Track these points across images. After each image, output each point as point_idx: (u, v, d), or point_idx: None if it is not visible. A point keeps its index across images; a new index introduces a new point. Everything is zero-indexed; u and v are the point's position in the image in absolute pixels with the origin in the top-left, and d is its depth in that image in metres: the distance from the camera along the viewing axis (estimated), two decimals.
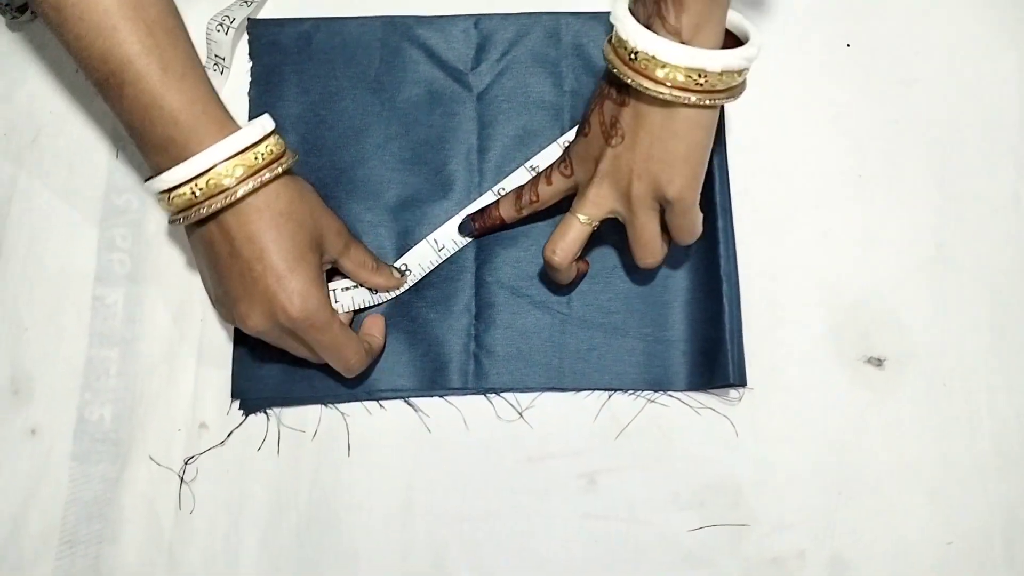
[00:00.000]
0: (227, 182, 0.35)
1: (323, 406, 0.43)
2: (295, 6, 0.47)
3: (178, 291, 0.44)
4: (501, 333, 0.43)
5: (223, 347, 0.43)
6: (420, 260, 0.44)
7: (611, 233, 0.42)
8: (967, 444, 0.42)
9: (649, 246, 0.39)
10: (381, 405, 0.43)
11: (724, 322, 0.42)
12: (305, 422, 0.43)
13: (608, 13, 0.36)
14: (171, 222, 0.37)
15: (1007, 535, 0.41)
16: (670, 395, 0.43)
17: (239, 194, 0.35)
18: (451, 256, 0.44)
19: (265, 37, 0.46)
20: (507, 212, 0.42)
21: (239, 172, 0.35)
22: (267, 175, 0.36)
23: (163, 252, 0.45)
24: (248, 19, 0.47)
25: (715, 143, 0.43)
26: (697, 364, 0.43)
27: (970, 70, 0.47)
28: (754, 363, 0.42)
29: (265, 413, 0.43)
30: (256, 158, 0.36)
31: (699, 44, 0.34)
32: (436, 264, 0.44)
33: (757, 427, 0.43)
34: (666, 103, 0.35)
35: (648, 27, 0.34)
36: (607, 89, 0.37)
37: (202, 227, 0.37)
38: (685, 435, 0.43)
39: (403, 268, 0.43)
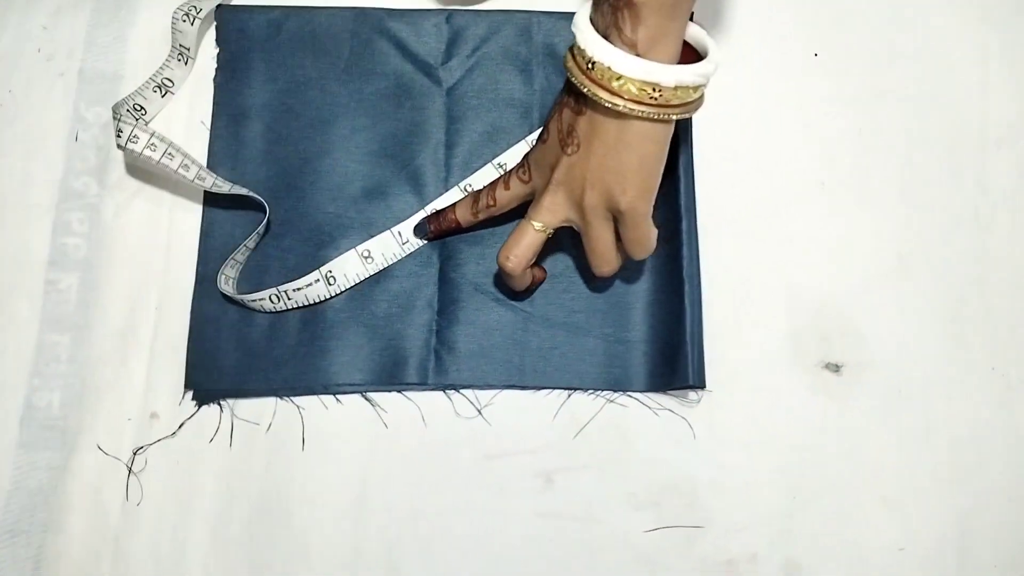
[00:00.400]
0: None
1: (278, 399, 0.42)
2: None
3: (134, 278, 0.43)
4: (463, 329, 0.43)
5: (178, 336, 0.43)
6: (383, 249, 0.43)
7: (573, 237, 0.42)
8: (922, 452, 0.43)
9: (604, 255, 0.39)
10: (337, 399, 0.42)
11: (685, 324, 0.42)
12: (259, 415, 0.42)
13: None
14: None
15: (960, 543, 0.42)
16: (629, 395, 0.43)
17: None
18: (415, 251, 0.44)
19: (233, 23, 0.46)
20: (463, 216, 0.42)
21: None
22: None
23: (120, 238, 0.44)
24: (218, 5, 0.46)
25: (681, 145, 0.43)
26: (657, 365, 0.43)
27: (936, 83, 0.47)
28: (714, 366, 0.43)
29: (219, 405, 0.42)
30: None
31: (654, 58, 0.34)
32: (399, 257, 0.44)
33: (715, 429, 0.43)
34: (620, 115, 0.35)
35: (606, 37, 0.34)
36: (566, 97, 0.37)
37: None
38: (643, 436, 0.42)
39: (365, 253, 0.43)
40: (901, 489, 0.42)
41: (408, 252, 0.44)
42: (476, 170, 0.45)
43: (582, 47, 0.34)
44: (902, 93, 0.47)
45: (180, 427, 0.42)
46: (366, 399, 0.43)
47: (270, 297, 0.42)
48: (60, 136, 0.45)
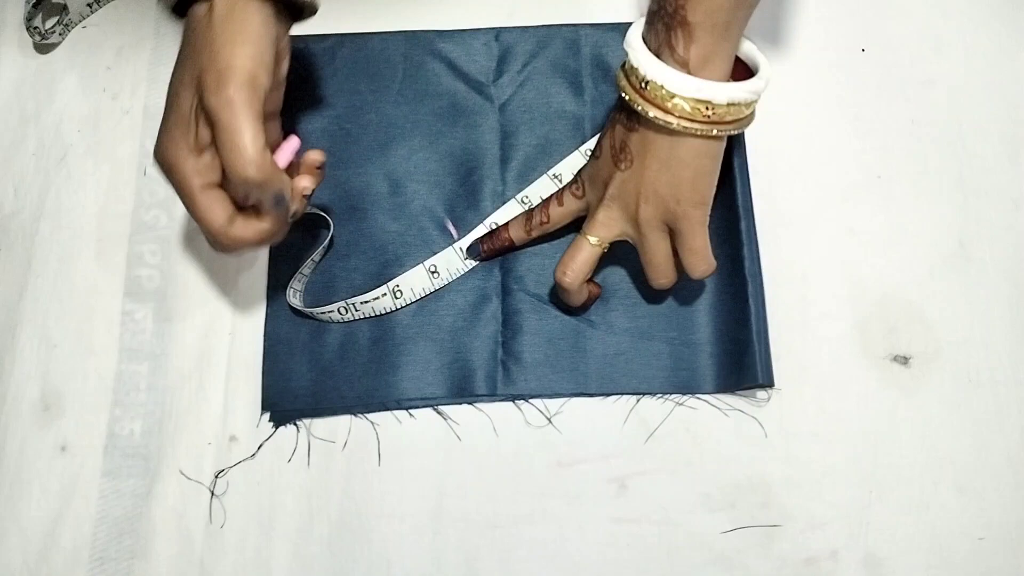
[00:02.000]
0: None
1: (353, 416, 0.43)
2: (316, 24, 0.48)
3: (207, 305, 0.45)
4: (528, 340, 0.43)
5: (252, 360, 0.44)
6: (448, 265, 0.44)
7: (632, 252, 0.43)
8: (996, 438, 0.42)
9: (660, 267, 0.39)
10: (410, 414, 0.43)
11: (750, 323, 0.42)
12: (335, 433, 0.43)
13: (626, 24, 0.37)
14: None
15: None
16: (698, 398, 0.43)
17: None
18: (477, 266, 0.45)
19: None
20: (517, 234, 0.43)
21: None
22: None
23: (192, 267, 0.45)
24: None
25: (735, 146, 0.44)
26: (724, 366, 0.43)
27: (986, 68, 0.47)
28: (781, 363, 0.43)
29: (295, 425, 0.43)
30: None
31: (707, 76, 0.35)
32: (463, 272, 0.44)
33: (786, 427, 0.43)
34: (673, 132, 0.35)
35: (658, 56, 0.35)
36: (618, 114, 0.37)
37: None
38: (714, 437, 0.43)
39: (432, 268, 0.44)
40: (977, 477, 0.42)
41: (470, 267, 0.44)
42: (531, 183, 0.45)
43: (635, 66, 0.35)
44: (951, 81, 0.47)
45: (259, 448, 0.43)
46: (438, 412, 0.43)
47: (339, 309, 0.43)
48: (129, 171, 0.46)
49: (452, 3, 0.48)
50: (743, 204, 0.43)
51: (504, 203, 0.45)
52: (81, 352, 0.44)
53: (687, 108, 0.34)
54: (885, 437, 0.43)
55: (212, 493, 0.42)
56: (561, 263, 0.40)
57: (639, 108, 0.35)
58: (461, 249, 0.44)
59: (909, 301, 0.44)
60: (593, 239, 0.39)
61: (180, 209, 0.46)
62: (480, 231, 0.45)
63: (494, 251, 0.44)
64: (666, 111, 0.35)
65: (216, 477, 0.43)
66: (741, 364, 0.42)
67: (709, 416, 0.43)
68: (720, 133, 0.36)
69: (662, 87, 0.34)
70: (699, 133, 0.35)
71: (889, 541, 0.41)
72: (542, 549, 0.41)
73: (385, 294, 0.43)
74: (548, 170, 0.45)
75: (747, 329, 0.42)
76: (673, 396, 0.43)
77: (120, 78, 0.48)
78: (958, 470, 0.42)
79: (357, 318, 0.44)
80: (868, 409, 0.43)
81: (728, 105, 0.35)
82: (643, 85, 0.35)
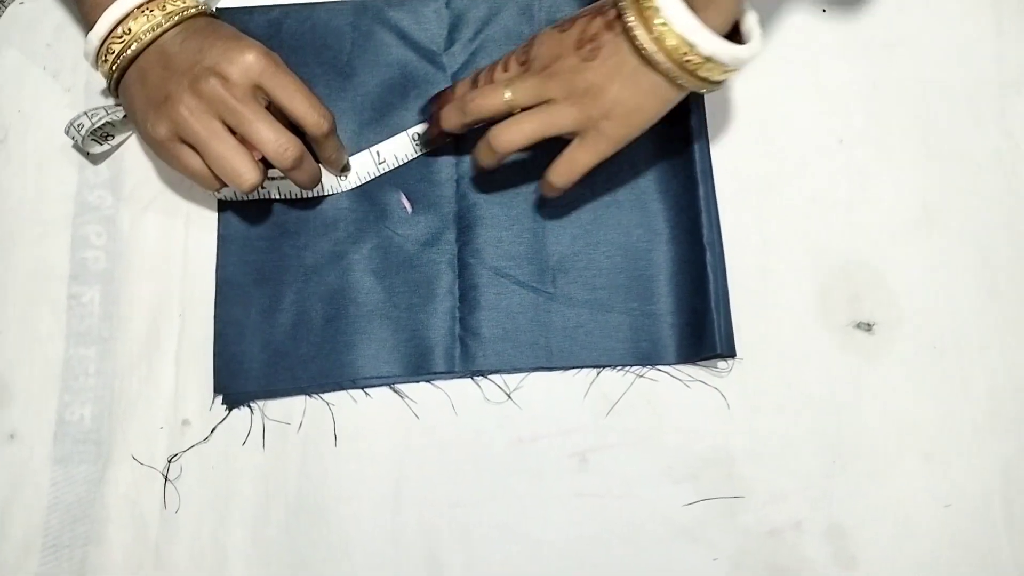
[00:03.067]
0: (137, 27, 0.38)
1: (307, 397, 0.42)
2: None
3: (156, 287, 0.43)
4: (486, 315, 0.43)
5: (204, 342, 0.43)
6: (358, 168, 0.44)
7: (596, 207, 0.42)
8: (961, 405, 0.42)
9: (557, 165, 0.39)
10: (366, 393, 0.42)
11: (709, 292, 0.41)
12: (290, 414, 0.42)
13: None
14: (109, 80, 0.39)
15: (1005, 494, 0.41)
16: (659, 369, 0.42)
17: (147, 39, 0.38)
18: (431, 239, 0.44)
19: (233, 25, 0.46)
20: (461, 89, 0.41)
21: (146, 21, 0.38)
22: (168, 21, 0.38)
23: (139, 248, 0.44)
24: (216, 8, 0.46)
25: (693, 110, 0.43)
26: (684, 336, 0.42)
27: (948, 30, 0.46)
28: (743, 333, 0.42)
29: (249, 407, 0.42)
30: (163, 7, 0.38)
31: (705, 18, 0.34)
32: (374, 176, 0.44)
33: (748, 397, 0.42)
34: (642, 57, 0.35)
35: None
36: (608, 9, 0.36)
37: (127, 76, 0.39)
38: (676, 409, 0.42)
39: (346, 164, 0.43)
40: (942, 444, 0.42)
41: (383, 172, 0.44)
42: None
43: None
44: (913, 42, 0.46)
45: (212, 432, 0.42)
46: (394, 391, 0.42)
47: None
48: (72, 151, 0.45)
49: None
50: (702, 170, 0.42)
51: (458, 176, 0.44)
52: (27, 338, 0.43)
53: (670, 41, 0.34)
54: (849, 406, 0.42)
55: (166, 478, 0.42)
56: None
57: (629, 19, 0.34)
58: (378, 153, 0.44)
59: (872, 267, 0.44)
60: (508, 95, 0.38)
61: (125, 189, 0.45)
62: (400, 139, 0.44)
63: (440, 134, 0.42)
64: (649, 32, 0.34)
65: (169, 462, 0.42)
66: (701, 334, 0.41)
67: (670, 388, 0.42)
68: (683, 84, 0.35)
69: (658, 9, 0.34)
70: (664, 71, 0.35)
71: (853, 511, 0.41)
72: (504, 527, 0.41)
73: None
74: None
75: (706, 298, 0.41)
76: (634, 368, 0.42)
77: (61, 55, 0.46)
78: (923, 438, 0.42)
79: (262, 195, 0.43)
80: (831, 378, 0.42)
81: (706, 59, 0.34)
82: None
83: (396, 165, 0.44)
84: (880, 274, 0.43)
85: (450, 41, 0.46)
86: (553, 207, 0.44)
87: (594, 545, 0.41)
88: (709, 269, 0.41)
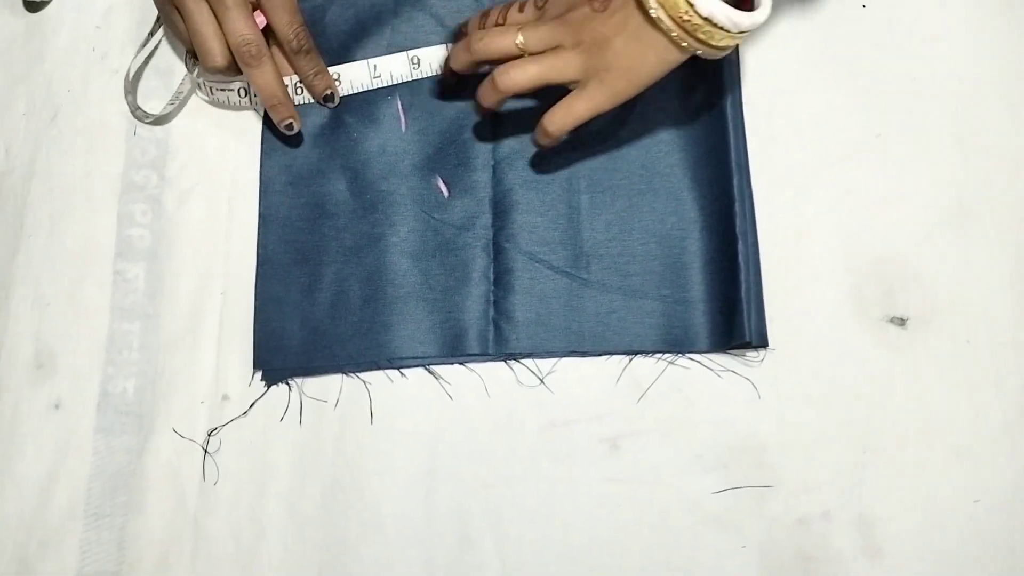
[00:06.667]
0: None
1: (344, 375, 0.43)
2: None
3: (198, 265, 0.45)
4: (520, 299, 0.43)
5: (244, 319, 0.44)
6: (352, 76, 0.45)
7: (630, 194, 0.43)
8: (993, 401, 0.42)
9: (556, 109, 0.39)
10: (402, 373, 0.43)
11: (740, 281, 0.41)
12: (327, 392, 0.43)
13: None
14: None
15: None
16: (690, 358, 0.43)
17: None
18: (466, 223, 0.44)
19: None
20: (472, 30, 0.42)
21: None
22: None
23: (183, 226, 0.45)
24: None
25: (730, 100, 0.43)
26: (717, 324, 0.42)
27: (987, 25, 0.46)
28: (775, 323, 0.42)
29: (287, 384, 0.43)
30: None
31: None
32: (367, 88, 0.45)
33: (779, 388, 0.42)
34: (647, 15, 0.35)
35: None
36: None
37: None
38: (707, 398, 0.42)
39: (336, 76, 0.44)
40: (973, 439, 0.42)
41: (376, 86, 0.45)
42: (522, 140, 0.45)
43: None
44: (953, 38, 0.46)
45: (251, 407, 0.43)
46: (429, 372, 0.43)
47: (239, 90, 0.44)
48: (119, 131, 0.46)
49: None
50: (736, 161, 0.43)
51: (495, 172, 0.45)
52: (74, 311, 0.44)
53: (675, 3, 0.34)
54: (880, 399, 0.42)
55: (205, 451, 0.43)
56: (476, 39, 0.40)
57: None
58: (375, 66, 0.45)
59: (906, 262, 0.44)
60: (520, 39, 0.39)
61: (171, 170, 0.46)
62: (400, 57, 0.45)
63: (451, 73, 0.43)
64: None
65: (209, 435, 0.43)
66: (732, 323, 0.42)
67: (702, 377, 0.43)
68: (684, 46, 0.35)
69: None
70: (665, 30, 0.35)
71: (882, 503, 0.41)
72: (533, 509, 0.41)
73: (287, 84, 0.44)
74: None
75: (737, 287, 0.41)
76: (666, 356, 0.43)
77: (110, 38, 0.47)
78: (954, 433, 0.42)
79: (255, 104, 0.45)
80: (863, 371, 0.42)
81: (705, 20, 0.34)
82: None
83: (391, 83, 0.45)
84: (914, 269, 0.43)
85: None
86: (589, 193, 0.44)
87: (623, 531, 0.41)
88: (741, 259, 0.42)
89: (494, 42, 0.39)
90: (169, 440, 0.43)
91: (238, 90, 0.44)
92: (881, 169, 0.45)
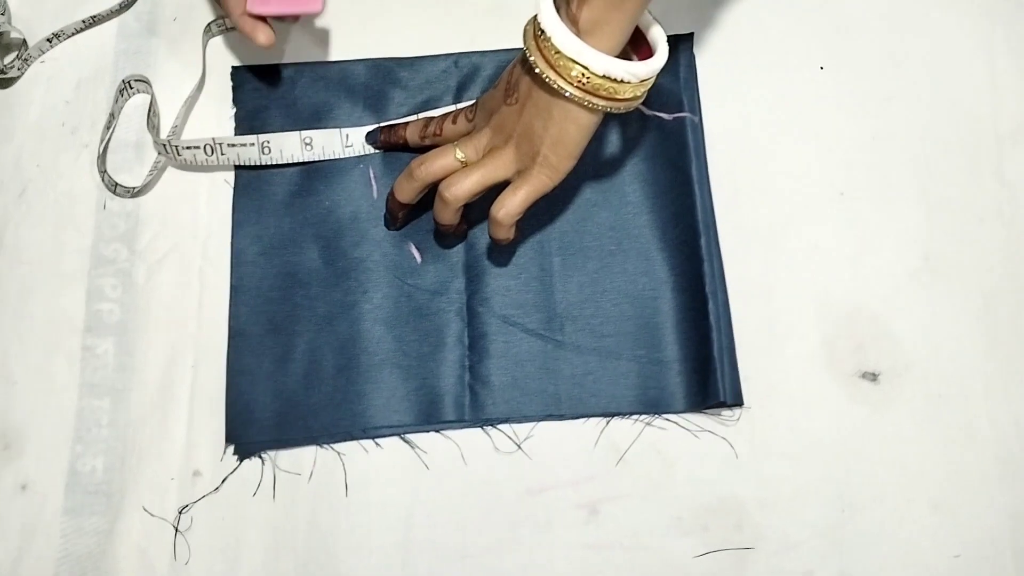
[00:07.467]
0: None
1: (318, 447, 0.42)
2: (273, 54, 0.48)
3: (169, 338, 0.44)
4: (495, 363, 0.43)
5: (216, 392, 0.43)
6: (324, 142, 0.45)
7: (601, 255, 0.43)
8: (968, 453, 0.42)
9: (501, 206, 0.40)
10: (377, 443, 0.43)
11: (712, 341, 0.42)
12: (300, 464, 0.42)
13: None
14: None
15: (1016, 543, 0.41)
16: (667, 419, 0.43)
17: None
18: (440, 288, 0.44)
19: (249, 83, 0.47)
20: (411, 136, 0.44)
21: None
22: None
23: (153, 299, 0.45)
24: (232, 67, 0.47)
25: (694, 161, 0.44)
26: (692, 384, 0.42)
27: (945, 83, 0.47)
28: (750, 381, 0.42)
29: (260, 457, 0.42)
30: None
31: (594, 43, 0.35)
32: (337, 156, 0.46)
33: (756, 447, 0.42)
34: (550, 89, 0.36)
35: (557, 10, 0.35)
36: (524, 55, 0.38)
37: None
38: (685, 459, 0.42)
39: (307, 140, 0.45)
40: (951, 493, 0.42)
41: (348, 155, 0.46)
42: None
43: (537, 13, 0.36)
44: (911, 95, 0.47)
45: (223, 482, 0.42)
46: (405, 441, 0.43)
47: (204, 148, 0.44)
48: (88, 206, 0.46)
49: (413, 30, 0.48)
50: (703, 220, 0.43)
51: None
52: (41, 388, 0.43)
53: (565, 67, 0.35)
54: (856, 455, 0.42)
55: (176, 529, 0.42)
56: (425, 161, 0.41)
57: (531, 57, 0.36)
58: (347, 136, 0.45)
59: (876, 317, 0.44)
60: (460, 154, 0.40)
61: (140, 243, 0.46)
62: (372, 127, 0.46)
63: (388, 143, 0.45)
64: (551, 66, 0.36)
65: (180, 513, 0.42)
66: (706, 383, 0.42)
67: (679, 437, 0.43)
68: (593, 106, 0.36)
69: (550, 39, 0.35)
70: (569, 96, 0.36)
71: (863, 560, 0.41)
72: None
73: (254, 144, 0.44)
74: None
75: (710, 347, 0.42)
76: (643, 416, 0.43)
77: (79, 112, 0.47)
78: (931, 487, 0.42)
79: (222, 163, 0.45)
80: (838, 427, 0.43)
81: (604, 78, 0.35)
82: (539, 33, 0.36)
83: (362, 153, 0.46)
84: (884, 323, 0.44)
85: (458, 99, 0.47)
86: (561, 255, 0.44)
87: None
88: (712, 319, 0.42)
89: (436, 163, 0.40)
90: (139, 519, 0.42)
91: (204, 147, 0.44)
92: (847, 226, 0.45)
